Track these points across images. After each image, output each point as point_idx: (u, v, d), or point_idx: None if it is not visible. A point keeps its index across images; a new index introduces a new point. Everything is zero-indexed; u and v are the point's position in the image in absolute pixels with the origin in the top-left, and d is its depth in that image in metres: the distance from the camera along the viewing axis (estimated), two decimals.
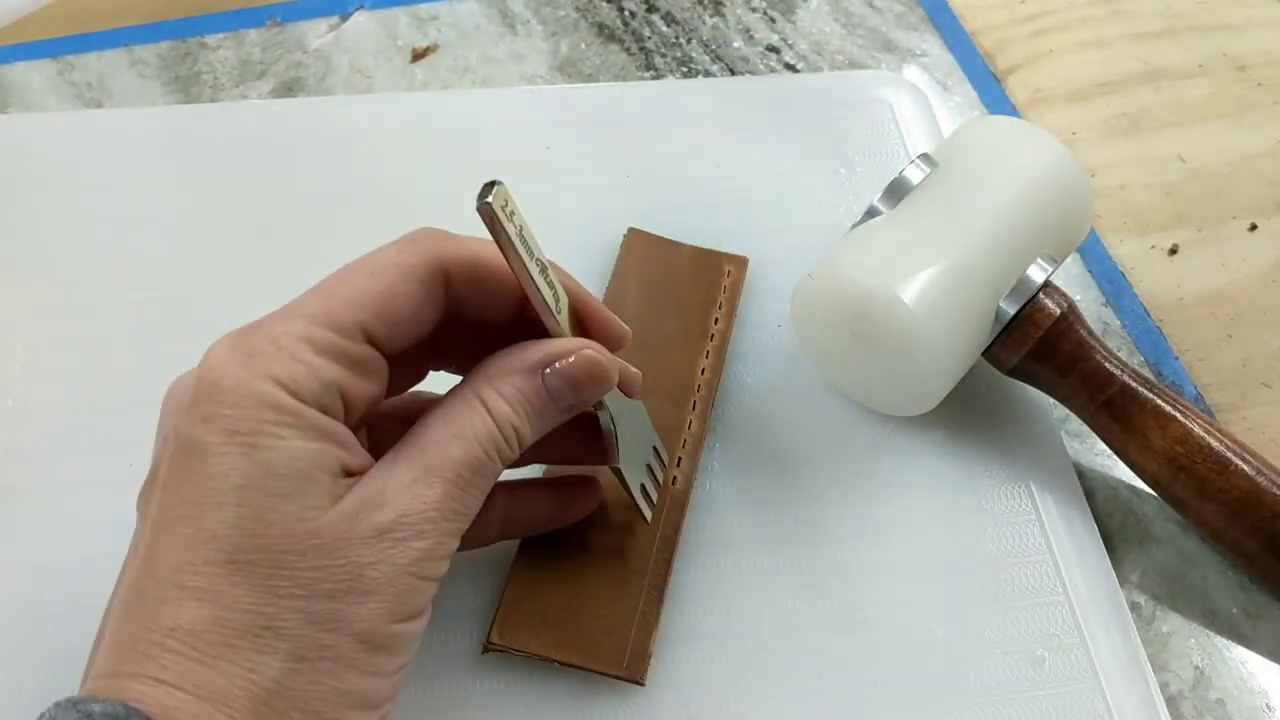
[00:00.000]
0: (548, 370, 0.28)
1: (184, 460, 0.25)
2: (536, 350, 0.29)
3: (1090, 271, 0.46)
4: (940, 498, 0.38)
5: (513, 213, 0.27)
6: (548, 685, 0.33)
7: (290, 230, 0.44)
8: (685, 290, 0.41)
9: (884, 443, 0.39)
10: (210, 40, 0.52)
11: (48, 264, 0.42)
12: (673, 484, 0.36)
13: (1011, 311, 0.36)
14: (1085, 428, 0.38)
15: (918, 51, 0.54)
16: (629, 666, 0.32)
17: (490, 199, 0.26)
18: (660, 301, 0.41)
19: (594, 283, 0.42)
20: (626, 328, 0.31)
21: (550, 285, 0.29)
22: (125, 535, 0.35)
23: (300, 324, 0.26)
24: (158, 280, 0.42)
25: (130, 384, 0.39)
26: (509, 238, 0.27)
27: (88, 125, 0.47)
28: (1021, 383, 0.39)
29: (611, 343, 0.31)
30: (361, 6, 0.54)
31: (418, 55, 0.52)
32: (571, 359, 0.29)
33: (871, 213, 0.38)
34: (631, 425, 0.32)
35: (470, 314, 0.29)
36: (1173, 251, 0.47)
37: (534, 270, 0.28)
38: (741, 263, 0.42)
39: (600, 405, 0.30)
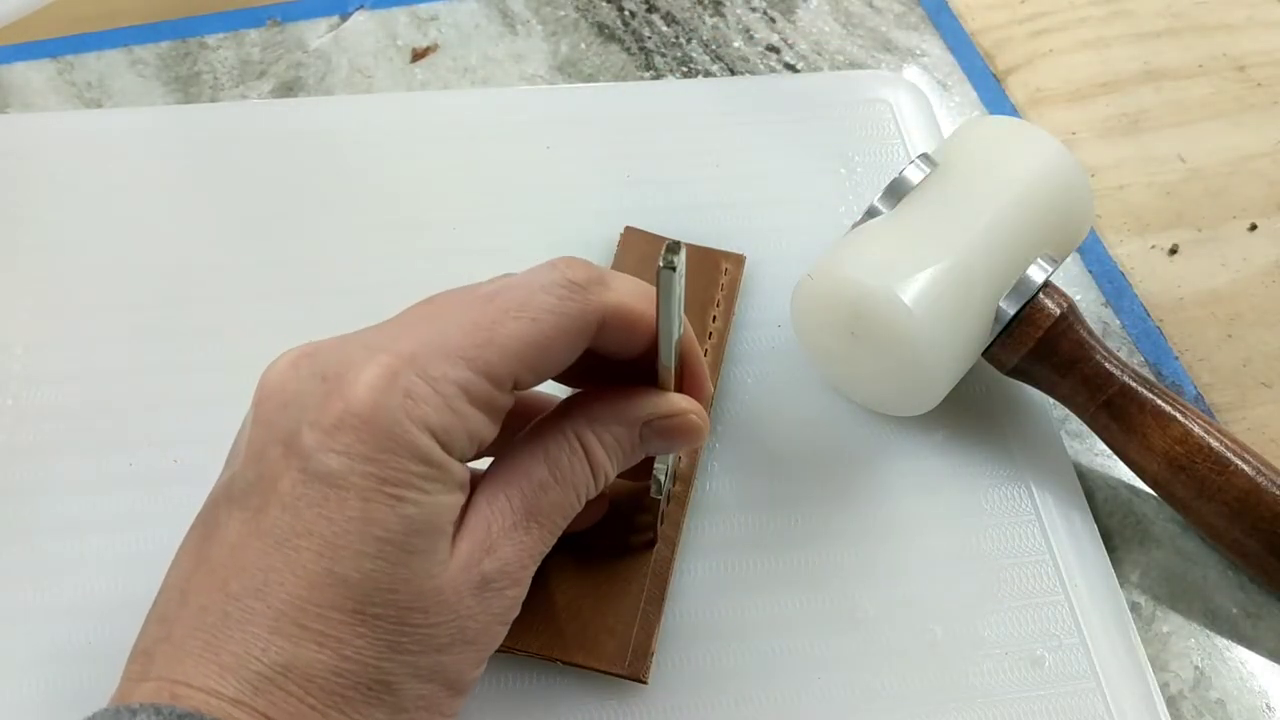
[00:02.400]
0: (647, 424, 0.28)
1: (321, 490, 0.24)
2: (644, 404, 0.29)
3: (1090, 271, 0.46)
4: (940, 498, 0.38)
5: (683, 275, 0.26)
6: (550, 684, 0.33)
7: (290, 230, 0.44)
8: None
9: (883, 443, 0.39)
10: (210, 40, 0.52)
11: (48, 264, 0.42)
12: (673, 484, 0.36)
13: (1011, 311, 0.36)
14: (1085, 428, 0.38)
15: (918, 51, 0.54)
16: (631, 665, 0.32)
17: (676, 263, 0.25)
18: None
19: None
20: (711, 387, 0.32)
21: (681, 337, 0.28)
22: (125, 535, 0.35)
23: (460, 370, 0.25)
24: (158, 280, 0.42)
25: (130, 384, 0.39)
26: (675, 299, 0.26)
27: (88, 125, 0.47)
28: (1021, 383, 0.39)
29: (700, 399, 0.30)
30: (361, 6, 0.54)
31: (418, 55, 0.52)
32: (676, 420, 0.29)
33: (871, 213, 0.38)
34: None
35: (596, 352, 0.28)
36: (1173, 251, 0.47)
37: (677, 329, 0.27)
38: (738, 260, 0.42)
39: None
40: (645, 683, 0.33)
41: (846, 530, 0.37)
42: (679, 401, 0.29)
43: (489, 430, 0.26)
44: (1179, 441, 0.35)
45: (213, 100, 0.50)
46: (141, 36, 0.52)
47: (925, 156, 0.38)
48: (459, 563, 0.25)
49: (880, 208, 0.37)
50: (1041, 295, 0.36)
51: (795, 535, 0.37)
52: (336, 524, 0.23)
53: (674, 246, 0.25)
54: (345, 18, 0.53)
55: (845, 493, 0.38)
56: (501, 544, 0.26)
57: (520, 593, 0.26)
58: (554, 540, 0.27)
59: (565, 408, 0.28)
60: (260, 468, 0.25)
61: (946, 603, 0.35)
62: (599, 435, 0.28)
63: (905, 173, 0.38)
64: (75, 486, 0.36)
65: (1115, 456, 0.38)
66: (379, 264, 0.43)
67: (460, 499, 0.25)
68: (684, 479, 0.36)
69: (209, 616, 0.24)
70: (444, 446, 0.25)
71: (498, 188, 0.45)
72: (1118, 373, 0.36)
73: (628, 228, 0.43)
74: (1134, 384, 0.36)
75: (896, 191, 0.38)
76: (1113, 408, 0.36)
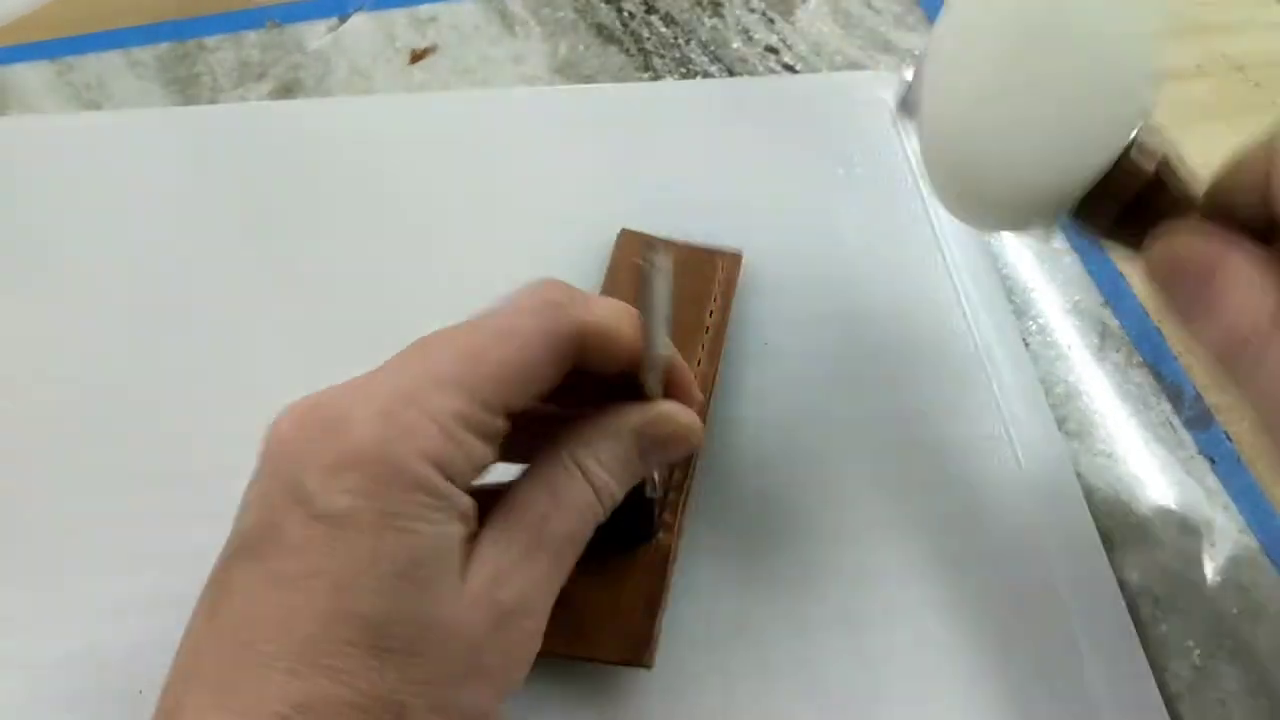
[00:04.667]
0: (641, 434, 0.29)
1: (327, 530, 0.24)
2: (634, 415, 0.29)
3: (1089, 272, 0.46)
4: (938, 498, 0.38)
5: (667, 276, 0.27)
6: (557, 679, 0.33)
7: (289, 231, 0.44)
8: (678, 286, 0.40)
9: (882, 443, 0.39)
10: (209, 42, 0.52)
11: (47, 265, 0.42)
12: (671, 476, 0.36)
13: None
14: (1084, 427, 0.38)
15: (916, 52, 0.54)
16: (634, 651, 0.32)
17: (657, 262, 0.25)
18: None
19: (591, 281, 0.42)
20: (700, 393, 0.32)
21: (666, 345, 0.29)
22: (124, 535, 0.35)
23: (453, 398, 0.25)
24: (157, 281, 0.42)
25: (130, 384, 0.39)
26: (658, 299, 0.26)
27: (87, 126, 0.47)
28: (1022, 383, 0.39)
29: (688, 405, 0.30)
30: (360, 8, 0.54)
31: (416, 56, 0.52)
32: (668, 427, 0.29)
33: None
34: None
35: (582, 370, 0.29)
36: None
37: (662, 332, 0.28)
38: (735, 258, 0.42)
39: None
40: (650, 668, 0.32)
41: (845, 530, 0.37)
42: (667, 407, 0.29)
43: (488, 456, 0.26)
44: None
45: (212, 102, 0.50)
46: (140, 38, 0.52)
47: None
48: (471, 594, 0.25)
49: None
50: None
51: (792, 535, 0.37)
52: (345, 561, 0.24)
53: (653, 244, 0.25)
54: (344, 19, 0.54)
55: (843, 493, 0.38)
56: (511, 576, 0.26)
57: (537, 626, 0.26)
58: (568, 568, 0.27)
59: (558, 434, 0.29)
60: (267, 518, 0.25)
61: (945, 603, 0.35)
62: (597, 455, 0.28)
63: None
64: (75, 486, 0.36)
65: (1115, 457, 0.38)
66: (379, 264, 0.43)
67: (464, 529, 0.26)
68: (683, 464, 0.36)
69: (224, 668, 0.24)
70: (445, 475, 0.25)
71: (497, 188, 0.45)
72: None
73: (624, 230, 0.43)
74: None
75: None
76: None
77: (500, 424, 0.26)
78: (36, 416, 0.38)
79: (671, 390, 0.30)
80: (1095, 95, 0.29)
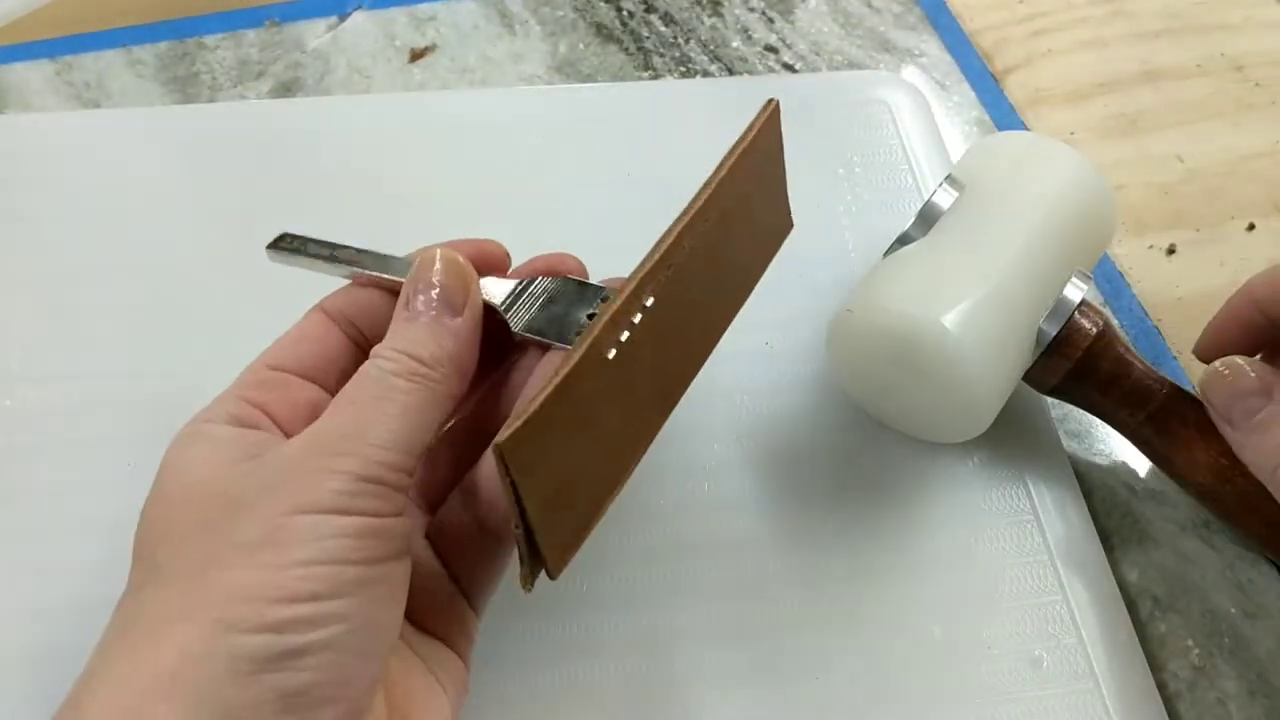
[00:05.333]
0: (406, 310, 0.28)
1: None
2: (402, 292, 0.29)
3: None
4: (938, 498, 0.38)
5: (300, 244, 0.31)
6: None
7: (288, 230, 0.43)
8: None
9: (882, 444, 0.39)
10: (209, 40, 0.52)
11: (47, 264, 0.42)
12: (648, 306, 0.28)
13: (1053, 332, 0.35)
14: (1084, 427, 0.38)
15: (916, 52, 0.54)
16: (551, 557, 0.26)
17: (273, 252, 0.28)
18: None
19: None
20: (499, 244, 0.33)
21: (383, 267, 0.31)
22: (123, 535, 0.35)
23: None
24: (156, 280, 0.42)
25: (129, 384, 0.39)
26: (312, 263, 0.30)
27: (86, 125, 0.47)
28: (1019, 384, 0.39)
29: (494, 262, 0.32)
30: (360, 7, 0.54)
31: (416, 55, 0.52)
32: (431, 277, 0.29)
33: (904, 240, 0.37)
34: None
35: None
36: (1171, 251, 0.47)
37: (344, 267, 0.31)
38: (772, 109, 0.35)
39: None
40: (553, 578, 0.26)
41: (845, 531, 0.37)
42: (414, 255, 0.30)
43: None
44: (1224, 454, 0.35)
45: (211, 100, 0.50)
46: (140, 37, 0.52)
47: (951, 179, 0.38)
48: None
49: (913, 234, 0.37)
50: (1077, 314, 0.36)
51: (792, 536, 0.37)
52: None
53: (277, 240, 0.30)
54: (344, 18, 0.53)
55: (843, 493, 0.38)
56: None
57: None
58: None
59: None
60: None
61: (945, 603, 0.36)
62: (383, 349, 0.28)
63: (935, 198, 0.38)
64: (74, 486, 0.36)
65: (1114, 456, 0.38)
66: None
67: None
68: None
69: None
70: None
71: (496, 187, 0.45)
72: (1158, 387, 0.36)
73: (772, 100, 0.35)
74: (1176, 398, 0.36)
75: (928, 218, 0.37)
76: (1156, 422, 0.36)
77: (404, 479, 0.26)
78: (36, 415, 0.38)
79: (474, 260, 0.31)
80: (951, 404, 0.36)
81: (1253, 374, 0.33)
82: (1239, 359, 0.34)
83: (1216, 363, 0.34)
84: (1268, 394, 0.32)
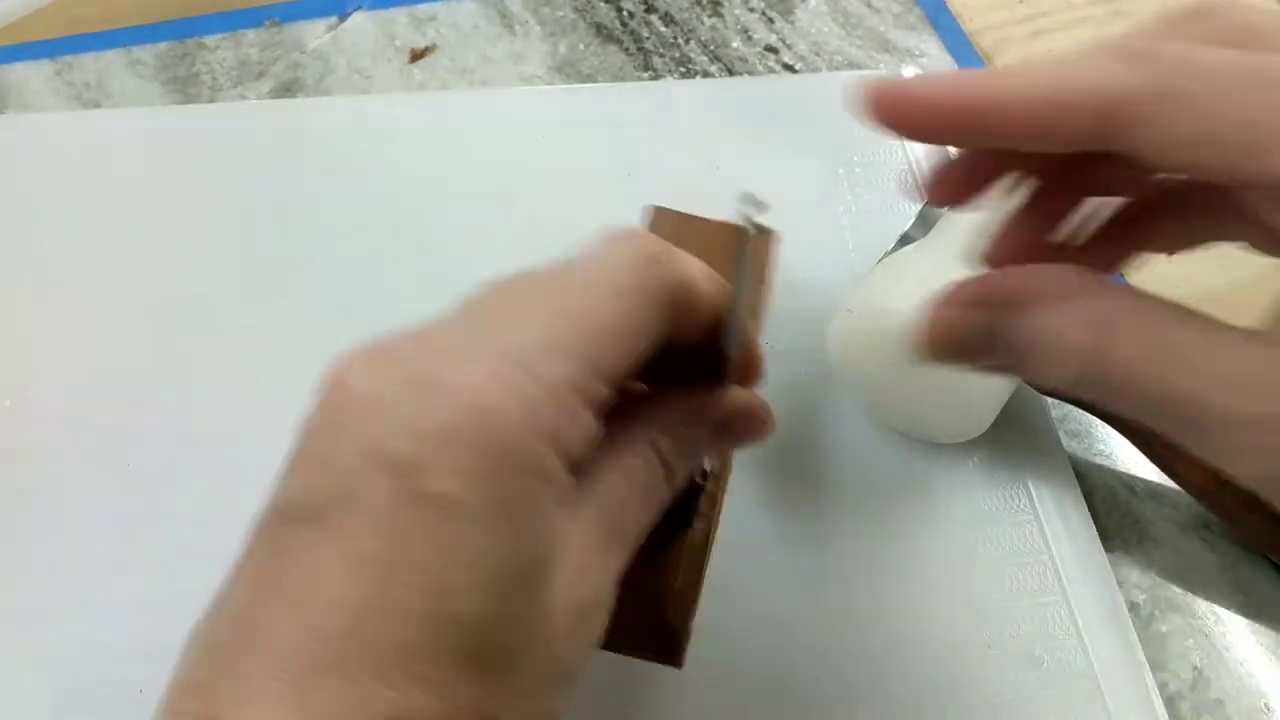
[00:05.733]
0: (722, 423, 0.27)
1: (430, 515, 0.20)
2: (716, 405, 0.27)
3: None
4: (938, 498, 0.38)
5: (767, 238, 0.25)
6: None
7: (288, 230, 0.44)
8: (717, 265, 0.38)
9: (882, 444, 0.39)
10: (209, 41, 0.52)
11: (46, 264, 0.42)
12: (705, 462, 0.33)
13: None
14: (1084, 427, 0.38)
15: (916, 52, 0.54)
16: (667, 649, 0.30)
17: (757, 222, 0.22)
18: None
19: None
20: (765, 368, 0.30)
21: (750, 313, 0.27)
22: (123, 535, 0.35)
23: (568, 366, 0.22)
24: (156, 280, 0.42)
25: (129, 384, 0.39)
26: (758, 261, 0.25)
27: (86, 126, 0.47)
28: (1021, 384, 0.39)
29: (757, 378, 0.29)
30: (360, 7, 0.54)
31: (416, 56, 0.52)
32: (748, 417, 0.27)
33: (904, 240, 0.38)
34: None
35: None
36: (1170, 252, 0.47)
37: (748, 298, 0.25)
38: (773, 237, 0.39)
39: None
40: (680, 667, 0.31)
41: (845, 531, 0.37)
42: (747, 398, 0.27)
43: (599, 433, 0.23)
44: None
45: (211, 101, 0.50)
46: (140, 37, 0.52)
47: None
48: (559, 594, 0.22)
49: (913, 235, 0.37)
50: None
51: (792, 536, 0.37)
52: (450, 556, 0.20)
53: (751, 199, 0.22)
54: (344, 18, 0.53)
55: (843, 494, 0.38)
56: (592, 571, 0.23)
57: (605, 618, 0.24)
58: (631, 556, 0.25)
59: (635, 414, 0.25)
60: (343, 483, 0.21)
61: (945, 603, 0.36)
62: (675, 441, 0.25)
63: None
64: (75, 486, 0.36)
65: (1114, 457, 0.38)
66: (378, 264, 0.43)
67: (578, 531, 0.22)
68: (723, 454, 0.34)
69: (291, 657, 0.20)
70: (567, 464, 0.22)
71: (496, 188, 0.45)
72: None
73: (656, 207, 0.40)
74: None
75: (928, 218, 0.37)
76: None
77: (609, 394, 0.23)
78: (35, 415, 0.38)
79: (744, 366, 0.28)
80: (951, 404, 0.36)
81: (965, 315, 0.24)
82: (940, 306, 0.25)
83: (929, 332, 0.25)
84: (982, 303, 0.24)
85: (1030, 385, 0.37)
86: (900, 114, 0.23)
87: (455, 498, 0.20)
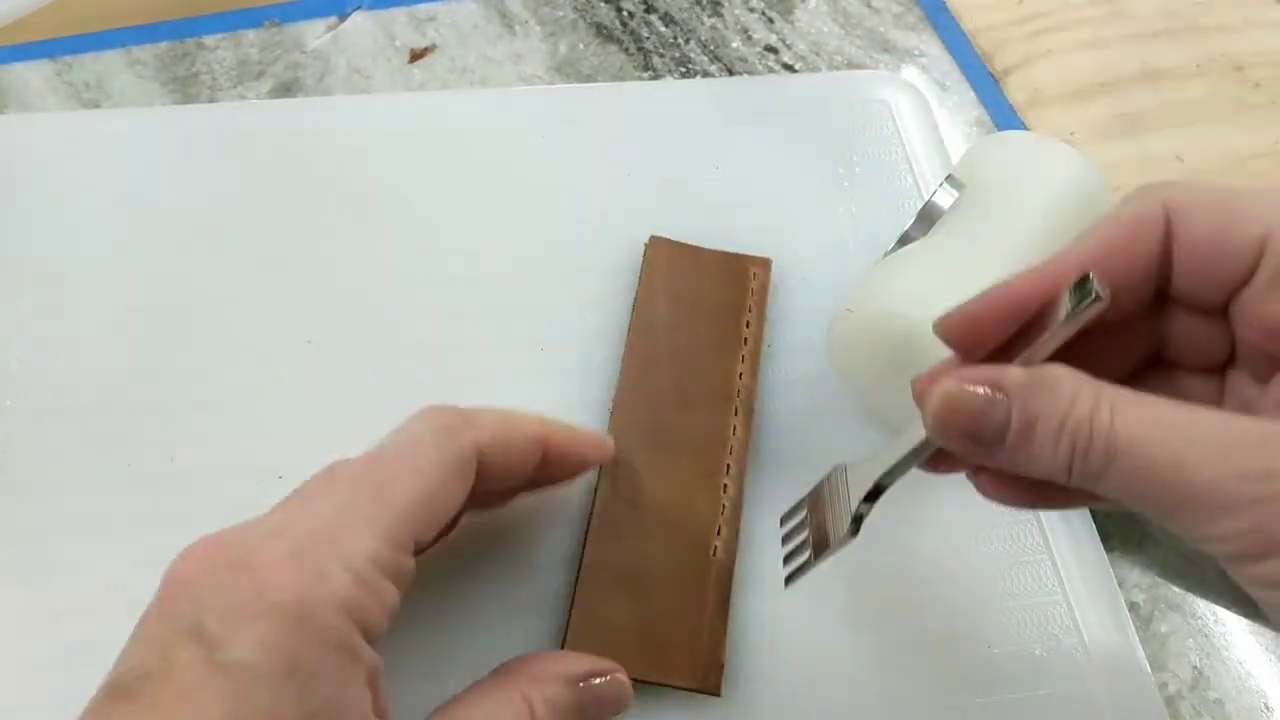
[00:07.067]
0: (583, 683, 0.29)
1: (227, 679, 0.22)
2: (579, 662, 0.29)
3: None
4: (938, 497, 0.38)
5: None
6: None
7: (288, 230, 0.44)
8: (714, 296, 0.41)
9: (882, 444, 0.39)
10: (208, 41, 0.52)
11: (46, 264, 0.42)
12: (724, 490, 0.36)
13: None
14: None
15: (916, 52, 0.54)
16: (704, 678, 0.32)
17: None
18: (690, 310, 0.40)
19: (592, 283, 0.42)
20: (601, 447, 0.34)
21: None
22: (122, 535, 0.35)
23: (365, 541, 0.25)
24: (156, 281, 0.42)
25: (128, 385, 0.39)
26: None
27: (86, 126, 0.47)
28: None
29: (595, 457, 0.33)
30: (359, 7, 0.54)
31: (416, 55, 0.52)
32: (605, 679, 0.29)
33: (904, 239, 0.38)
34: None
35: (478, 485, 0.29)
36: None
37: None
38: (764, 264, 0.42)
39: None
40: (718, 695, 0.32)
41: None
42: (604, 662, 0.30)
43: (396, 599, 0.25)
44: None
45: (211, 101, 0.50)
46: (140, 37, 0.52)
47: (951, 179, 0.38)
48: None
49: (913, 234, 0.37)
50: None
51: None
52: (242, 714, 0.22)
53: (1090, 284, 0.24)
54: (343, 18, 0.53)
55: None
56: None
57: None
58: None
59: (508, 669, 0.29)
60: (160, 657, 0.23)
61: (946, 603, 0.35)
62: (545, 694, 0.28)
63: (936, 198, 0.38)
64: (75, 486, 0.36)
65: None
66: (377, 264, 0.43)
67: (370, 695, 0.24)
68: (735, 485, 0.36)
69: None
70: (362, 628, 0.24)
71: (495, 188, 0.45)
72: None
73: (653, 237, 0.42)
74: None
75: (928, 217, 0.37)
76: None
77: (409, 563, 0.26)
78: (35, 415, 0.38)
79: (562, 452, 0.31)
80: None
81: (979, 389, 0.25)
82: (956, 383, 0.25)
83: (937, 401, 0.25)
84: (1000, 388, 0.24)
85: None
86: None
87: (249, 663, 0.22)
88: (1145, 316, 0.27)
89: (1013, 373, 0.24)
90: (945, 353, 0.33)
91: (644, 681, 0.32)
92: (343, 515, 0.25)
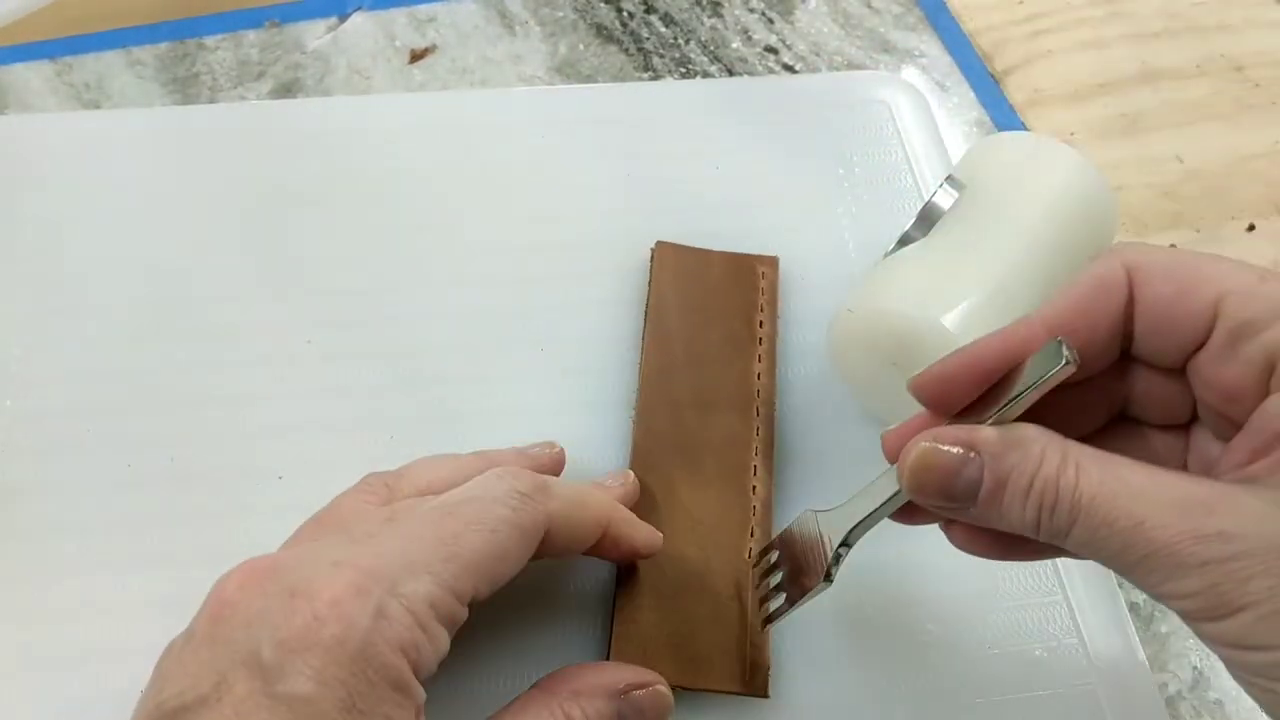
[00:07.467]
0: (624, 694, 0.29)
1: (283, 713, 0.23)
2: (620, 674, 0.30)
3: None
4: None
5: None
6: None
7: (289, 231, 0.44)
8: (725, 298, 0.41)
9: (878, 445, 0.39)
10: (209, 41, 0.52)
11: (46, 264, 0.42)
12: (754, 492, 0.36)
13: None
14: None
15: (916, 52, 0.54)
16: (751, 681, 0.32)
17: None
18: (703, 313, 0.40)
19: (592, 283, 0.42)
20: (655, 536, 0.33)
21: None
22: (122, 535, 0.35)
23: (428, 586, 0.25)
24: (156, 280, 0.42)
25: (129, 384, 0.39)
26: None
27: (86, 126, 0.47)
28: None
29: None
30: (360, 7, 0.54)
31: (416, 56, 0.52)
32: (646, 691, 0.29)
33: (904, 240, 0.37)
34: None
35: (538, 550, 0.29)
36: None
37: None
38: (772, 263, 0.42)
39: None
40: (767, 696, 0.32)
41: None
42: (648, 674, 0.30)
43: (448, 647, 0.26)
44: None
45: (211, 101, 0.50)
46: (140, 37, 0.52)
47: (952, 179, 0.38)
48: None
49: (914, 235, 0.37)
50: None
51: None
52: None
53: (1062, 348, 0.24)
54: (344, 19, 0.53)
55: (843, 494, 0.38)
56: None
57: None
58: None
59: (549, 683, 0.29)
60: (214, 685, 0.23)
61: (945, 603, 0.35)
62: (584, 708, 0.28)
63: (936, 199, 0.38)
64: (75, 487, 0.36)
65: None
66: (378, 264, 0.43)
67: None
68: (764, 486, 0.37)
69: None
70: (414, 668, 0.24)
71: (496, 188, 0.45)
72: None
73: (660, 242, 0.42)
74: None
75: (929, 218, 0.37)
76: None
77: (464, 614, 0.26)
78: (35, 415, 0.38)
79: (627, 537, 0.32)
80: None
81: (953, 449, 0.25)
82: (931, 442, 0.26)
83: (913, 459, 0.26)
84: (973, 448, 0.25)
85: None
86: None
87: (306, 696, 0.23)
88: (1111, 375, 0.27)
89: (985, 433, 0.25)
90: (944, 352, 0.34)
91: (690, 688, 0.32)
92: (409, 557, 0.25)
